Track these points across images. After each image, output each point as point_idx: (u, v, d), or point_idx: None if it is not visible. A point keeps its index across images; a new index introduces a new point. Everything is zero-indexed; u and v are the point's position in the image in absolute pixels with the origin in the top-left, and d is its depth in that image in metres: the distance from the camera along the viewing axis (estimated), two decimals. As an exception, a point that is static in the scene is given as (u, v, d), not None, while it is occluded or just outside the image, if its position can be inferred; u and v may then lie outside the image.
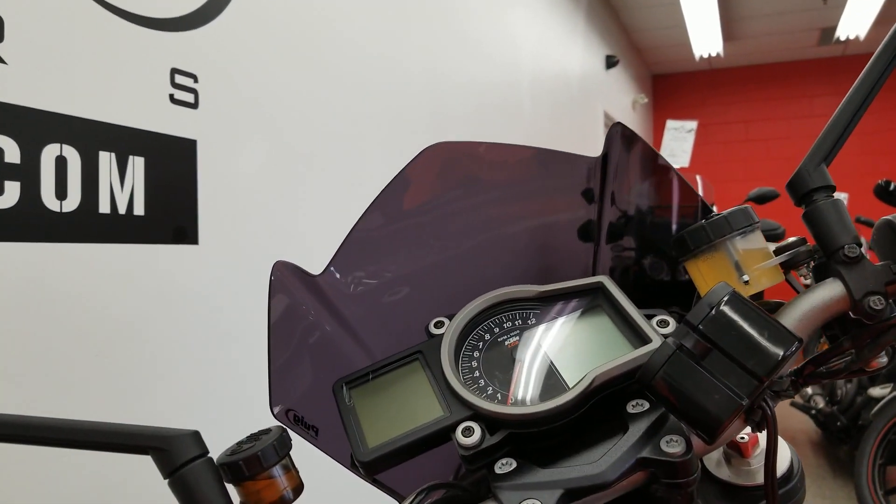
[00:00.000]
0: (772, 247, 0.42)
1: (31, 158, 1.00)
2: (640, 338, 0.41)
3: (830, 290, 0.39)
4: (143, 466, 0.35)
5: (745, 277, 0.41)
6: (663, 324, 0.42)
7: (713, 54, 5.98)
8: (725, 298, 0.35)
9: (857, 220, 3.27)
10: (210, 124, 1.31)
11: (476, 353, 0.44)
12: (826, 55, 6.29)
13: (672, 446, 0.36)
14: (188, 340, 1.26)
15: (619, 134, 0.46)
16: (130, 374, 1.14)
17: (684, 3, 4.76)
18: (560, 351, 0.43)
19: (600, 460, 0.37)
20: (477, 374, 0.43)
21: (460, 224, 0.48)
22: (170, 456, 0.33)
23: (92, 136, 1.08)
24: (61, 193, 1.04)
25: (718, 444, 0.38)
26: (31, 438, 0.32)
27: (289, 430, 0.39)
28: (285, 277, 0.42)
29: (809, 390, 2.91)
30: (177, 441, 0.33)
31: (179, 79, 1.26)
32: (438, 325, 0.45)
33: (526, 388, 0.41)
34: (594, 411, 0.40)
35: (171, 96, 1.24)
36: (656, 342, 0.40)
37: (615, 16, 5.25)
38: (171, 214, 1.22)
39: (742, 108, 6.63)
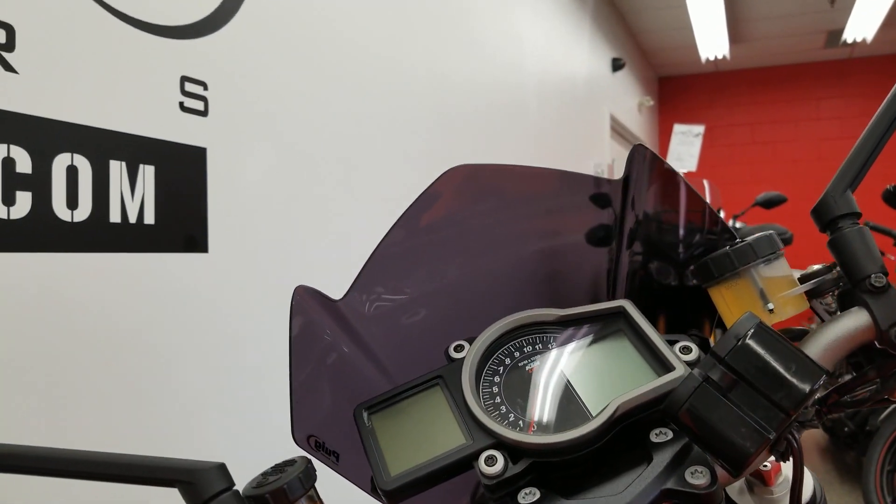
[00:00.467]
0: (796, 273, 0.42)
1: (42, 168, 1.00)
2: (663, 365, 0.41)
3: (856, 320, 0.38)
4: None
5: (770, 306, 0.40)
6: (686, 350, 0.42)
7: (719, 56, 5.97)
8: (752, 331, 0.34)
9: (865, 225, 3.25)
10: (219, 132, 1.31)
11: (497, 378, 0.44)
12: (833, 58, 6.27)
13: (697, 478, 0.36)
14: (199, 347, 1.26)
15: (640, 156, 0.45)
16: (141, 382, 1.14)
17: (691, 5, 4.75)
18: (582, 377, 0.43)
19: (625, 491, 0.36)
20: (498, 399, 0.42)
21: (479, 246, 0.48)
22: (196, 489, 0.33)
23: (103, 145, 1.09)
24: (72, 203, 1.04)
25: (743, 476, 0.38)
26: (61, 472, 0.32)
27: (311, 456, 0.39)
28: (305, 302, 0.42)
29: (817, 395, 2.90)
30: (203, 475, 0.33)
31: (189, 86, 1.26)
32: (458, 348, 0.45)
33: (548, 415, 0.41)
34: (617, 439, 0.40)
35: (182, 104, 1.24)
36: (679, 370, 0.40)
37: (621, 18, 5.24)
38: (181, 223, 1.23)
39: (748, 111, 6.61)
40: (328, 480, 0.45)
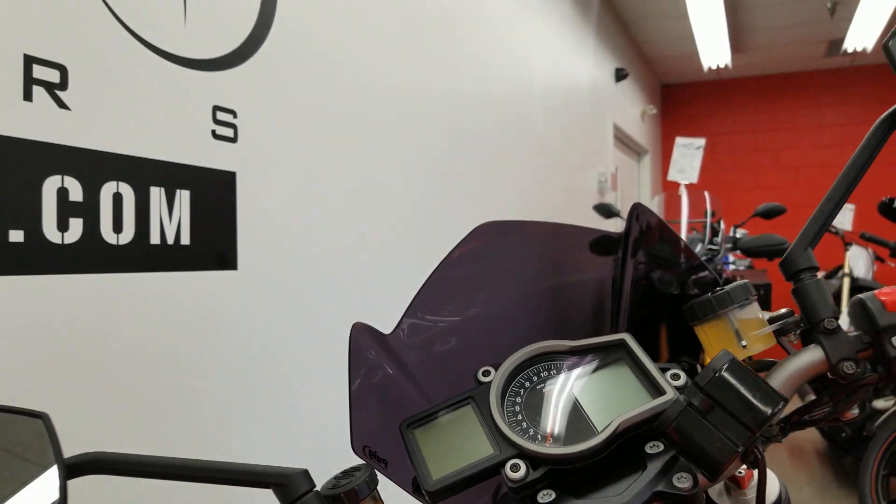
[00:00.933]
0: (767, 315, 0.51)
1: (91, 196, 1.09)
2: (656, 389, 0.50)
3: (812, 356, 0.47)
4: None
5: (744, 342, 0.49)
6: (676, 377, 0.50)
7: (721, 65, 6.05)
8: (726, 366, 0.43)
9: (861, 235, 3.34)
10: (247, 156, 1.40)
11: (518, 399, 0.53)
12: (833, 66, 6.35)
13: (682, 482, 0.44)
14: (230, 359, 1.35)
15: (638, 213, 0.54)
16: (178, 390, 1.23)
17: (692, 15, 4.83)
18: (588, 398, 0.51)
19: (624, 493, 0.45)
20: (520, 416, 0.51)
21: (501, 286, 0.57)
22: (288, 490, 0.42)
23: (144, 173, 1.18)
24: (118, 227, 1.13)
25: (719, 480, 0.47)
26: (187, 476, 0.41)
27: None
28: (360, 336, 0.51)
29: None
30: (293, 478, 0.42)
31: (220, 115, 1.35)
32: (486, 373, 0.54)
33: (561, 430, 0.50)
34: (618, 450, 0.49)
35: (213, 132, 1.33)
36: (670, 394, 0.49)
37: (625, 29, 5.33)
38: (213, 242, 1.32)
39: (750, 119, 6.70)
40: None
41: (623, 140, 5.46)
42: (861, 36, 5.16)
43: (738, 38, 5.55)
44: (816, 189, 6.24)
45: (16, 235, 0.99)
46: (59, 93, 1.06)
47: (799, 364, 0.47)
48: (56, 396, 1.03)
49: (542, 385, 0.53)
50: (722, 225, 2.86)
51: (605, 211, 3.34)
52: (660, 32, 5.46)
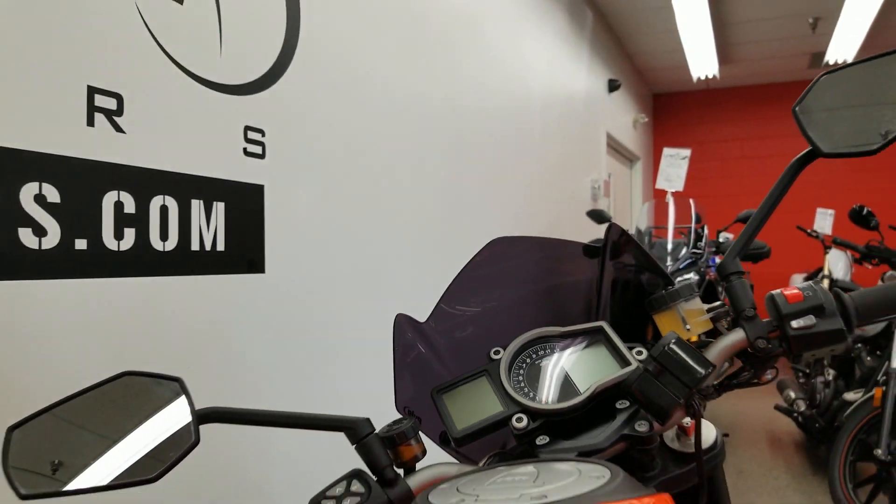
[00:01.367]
0: (706, 306, 0.68)
1: (142, 208, 1.25)
2: (624, 361, 0.66)
3: (736, 336, 0.64)
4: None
5: (688, 327, 0.66)
6: (639, 353, 0.67)
7: (710, 76, 6.26)
8: (672, 342, 0.60)
9: (834, 241, 3.53)
10: (274, 171, 1.57)
11: (521, 371, 0.69)
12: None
13: (641, 427, 0.61)
14: (259, 351, 1.52)
15: (612, 230, 0.72)
16: (215, 380, 1.39)
17: (682, 29, 5.03)
18: (574, 369, 0.68)
19: (600, 436, 0.62)
20: (523, 383, 0.68)
21: (508, 285, 0.74)
22: (356, 432, 0.58)
23: (186, 187, 1.33)
24: (164, 236, 1.29)
25: (669, 426, 0.63)
26: (281, 423, 0.57)
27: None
28: (402, 323, 0.68)
29: (792, 394, 3.18)
30: (359, 423, 0.59)
31: (251, 134, 1.51)
32: (496, 353, 0.71)
33: (554, 393, 0.66)
34: (596, 406, 0.65)
35: (245, 149, 1.49)
36: (634, 365, 0.65)
37: (617, 42, 5.53)
38: (244, 248, 1.48)
39: (737, 127, 6.90)
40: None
41: (616, 148, 5.65)
42: (841, 49, 5.38)
43: (725, 50, 5.76)
44: (799, 195, 6.43)
45: (80, 244, 1.14)
46: (115, 118, 1.22)
47: (727, 342, 0.64)
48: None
49: (540, 360, 0.70)
50: (706, 230, 3.04)
51: (598, 216, 3.50)
52: (651, 45, 5.66)
